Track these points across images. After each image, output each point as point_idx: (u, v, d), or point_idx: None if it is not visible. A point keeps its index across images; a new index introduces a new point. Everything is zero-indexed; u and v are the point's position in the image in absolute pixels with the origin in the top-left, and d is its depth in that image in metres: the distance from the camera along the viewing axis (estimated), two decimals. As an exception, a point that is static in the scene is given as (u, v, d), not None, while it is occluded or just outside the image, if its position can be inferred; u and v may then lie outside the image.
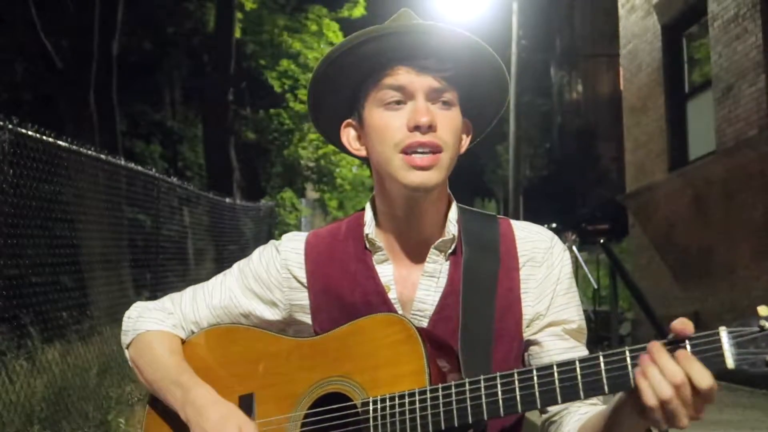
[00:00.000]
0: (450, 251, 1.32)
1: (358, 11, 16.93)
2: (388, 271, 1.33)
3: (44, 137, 4.96)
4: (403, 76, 1.25)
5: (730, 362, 0.97)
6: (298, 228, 16.79)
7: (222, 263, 10.97)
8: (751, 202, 7.17)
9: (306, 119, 16.56)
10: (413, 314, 1.31)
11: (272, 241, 1.45)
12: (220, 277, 1.47)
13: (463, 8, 21.40)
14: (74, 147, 5.56)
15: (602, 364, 1.04)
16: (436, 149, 1.24)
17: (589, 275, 11.86)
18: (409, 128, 1.24)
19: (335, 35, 16.88)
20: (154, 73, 18.46)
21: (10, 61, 13.96)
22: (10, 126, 4.48)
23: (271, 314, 1.40)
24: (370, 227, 1.35)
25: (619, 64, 11.12)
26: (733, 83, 7.52)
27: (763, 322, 0.97)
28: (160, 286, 7.81)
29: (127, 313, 1.46)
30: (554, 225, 32.73)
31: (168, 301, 1.47)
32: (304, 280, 1.38)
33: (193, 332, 1.44)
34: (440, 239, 1.31)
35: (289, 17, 17.18)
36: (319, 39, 16.84)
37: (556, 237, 1.38)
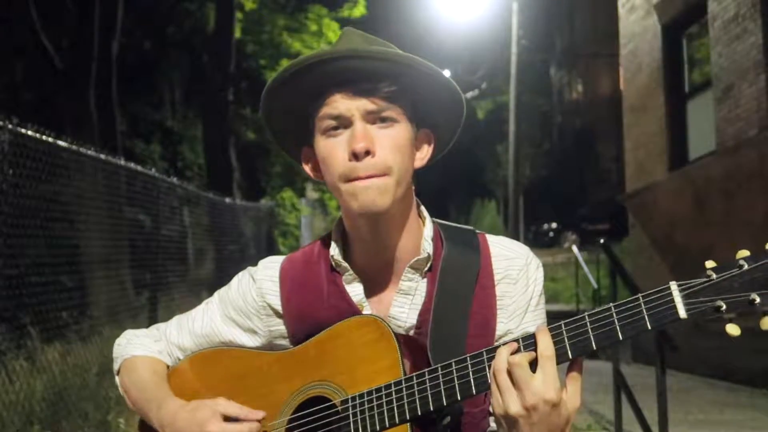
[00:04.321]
0: (426, 269, 1.32)
1: (358, 11, 16.94)
2: (358, 289, 1.33)
3: (44, 137, 4.96)
4: (339, 102, 1.25)
5: (682, 312, 1.03)
6: (298, 228, 16.78)
7: (222, 263, 10.98)
8: (751, 202, 7.17)
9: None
10: None
11: (249, 269, 1.46)
12: (202, 305, 1.49)
13: (463, 8, 21.42)
14: (74, 147, 5.56)
15: (565, 333, 1.09)
16: (378, 174, 1.23)
17: (589, 275, 11.87)
18: (348, 158, 1.24)
19: (335, 35, 16.87)
20: (154, 73, 18.46)
21: (10, 61, 13.96)
22: (10, 126, 4.48)
23: (252, 342, 1.42)
24: (335, 249, 1.35)
25: (619, 64, 11.11)
26: (733, 83, 7.52)
27: (709, 272, 1.04)
28: (160, 286, 7.80)
29: (117, 341, 1.51)
30: (554, 225, 32.82)
31: (155, 329, 1.52)
32: (279, 308, 1.39)
33: (178, 359, 1.47)
34: (415, 258, 1.31)
35: (289, 17, 17.18)
36: (319, 39, 16.84)
37: (531, 254, 1.37)
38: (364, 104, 1.24)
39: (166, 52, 18.53)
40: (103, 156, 6.35)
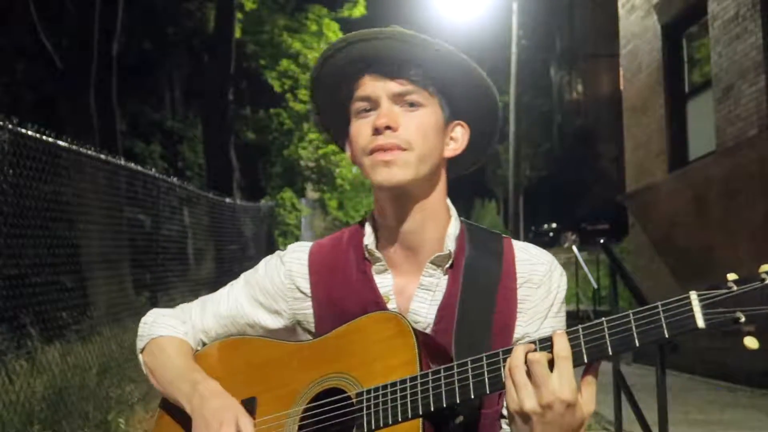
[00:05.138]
0: (447, 266, 1.34)
1: (358, 11, 16.94)
2: (387, 281, 1.35)
3: (44, 137, 4.96)
4: (368, 85, 1.31)
5: (700, 322, 1.03)
6: (298, 228, 16.79)
7: (222, 263, 10.98)
8: (751, 202, 7.17)
9: (306, 119, 16.58)
10: None
11: (278, 252, 1.48)
12: (227, 288, 1.50)
13: (463, 8, 21.41)
14: (74, 147, 5.56)
15: (581, 336, 1.09)
16: (397, 147, 1.27)
17: (589, 275, 11.87)
18: (371, 132, 1.29)
19: (335, 35, 16.87)
20: (154, 73, 18.46)
21: (10, 61, 13.96)
22: (10, 126, 4.48)
23: (275, 324, 1.44)
24: (369, 238, 1.37)
25: (619, 64, 11.12)
26: (733, 83, 7.52)
27: (730, 284, 1.04)
28: (160, 286, 7.81)
29: (143, 319, 1.51)
30: (554, 225, 32.82)
31: (179, 310, 1.53)
32: (308, 291, 1.40)
33: (202, 341, 1.49)
34: (436, 254, 1.33)
35: (289, 17, 17.19)
36: (319, 39, 16.83)
37: (555, 261, 1.38)
38: (391, 86, 1.29)
39: (166, 52, 18.53)
40: (103, 156, 6.35)
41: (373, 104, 1.30)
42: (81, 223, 6.32)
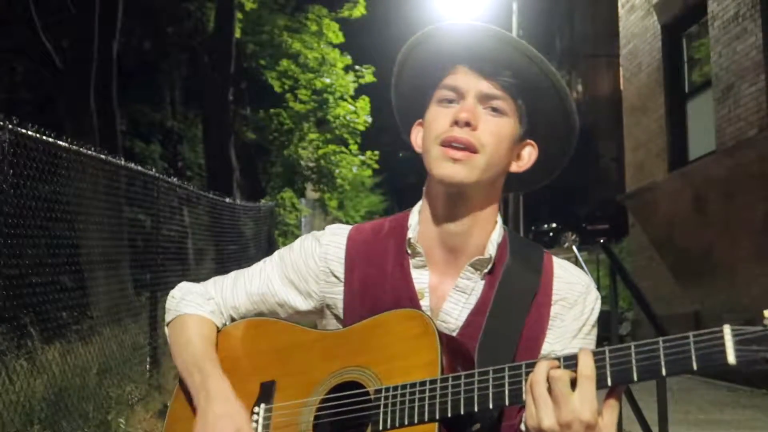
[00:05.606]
0: (486, 271, 1.33)
1: (358, 11, 16.94)
2: (424, 277, 1.34)
3: (44, 137, 4.96)
4: (460, 76, 1.29)
5: (731, 358, 0.99)
6: (298, 228, 16.79)
7: (222, 263, 10.97)
8: (751, 202, 7.17)
9: (306, 119, 16.57)
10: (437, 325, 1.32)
11: (314, 232, 1.47)
12: (260, 264, 1.49)
13: (463, 8, 21.40)
14: (74, 147, 5.56)
15: (608, 359, 1.07)
16: (470, 147, 1.26)
17: (589, 275, 11.86)
18: (450, 123, 1.27)
19: (335, 35, 16.88)
20: (154, 73, 18.45)
21: (10, 61, 13.95)
22: (10, 126, 4.48)
23: (305, 305, 1.42)
24: (414, 231, 1.36)
25: (619, 64, 11.11)
26: (733, 83, 7.53)
27: (767, 322, 1.00)
28: (160, 286, 7.80)
29: (172, 293, 1.50)
30: (554, 225, 32.80)
31: (211, 284, 1.51)
32: (341, 275, 1.39)
33: (231, 317, 1.47)
34: (477, 257, 1.32)
35: (289, 17, 17.18)
36: (319, 39, 16.83)
37: (593, 283, 1.37)
38: (482, 85, 1.28)
39: (166, 52, 18.52)
40: (103, 156, 6.35)
41: (459, 96, 1.29)
42: (81, 223, 6.31)
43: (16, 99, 13.66)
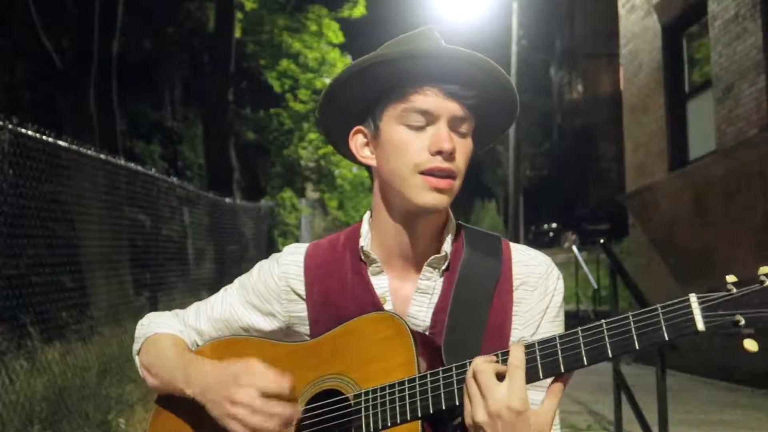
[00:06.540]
0: (443, 268, 1.33)
1: (358, 11, 16.93)
2: (383, 282, 1.34)
3: (44, 137, 4.96)
4: (431, 98, 1.25)
5: (700, 325, 1.03)
6: (297, 228, 16.79)
7: (222, 263, 10.98)
8: (751, 202, 7.17)
9: (306, 119, 16.57)
10: None
11: (273, 254, 1.47)
12: (221, 292, 1.49)
13: (463, 8, 21.40)
14: (74, 147, 5.56)
15: (581, 339, 1.09)
16: (452, 175, 1.26)
17: (589, 275, 11.87)
18: (431, 152, 1.25)
19: (335, 35, 16.88)
20: (154, 73, 18.44)
21: (10, 61, 13.95)
22: (10, 126, 4.48)
23: (270, 326, 1.42)
24: (365, 239, 1.36)
25: (619, 64, 11.12)
26: (733, 83, 7.53)
27: (730, 286, 1.04)
28: (160, 286, 7.81)
29: (140, 322, 1.50)
30: (554, 225, 32.84)
31: (173, 314, 1.52)
32: (303, 293, 1.39)
33: (196, 343, 1.47)
34: (433, 256, 1.32)
35: (289, 17, 17.17)
36: (319, 39, 16.83)
37: (552, 264, 1.37)
38: (454, 108, 1.26)
39: (166, 52, 18.52)
40: (103, 156, 6.35)
41: (430, 120, 1.26)
42: (81, 223, 6.32)
43: (16, 99, 13.65)
